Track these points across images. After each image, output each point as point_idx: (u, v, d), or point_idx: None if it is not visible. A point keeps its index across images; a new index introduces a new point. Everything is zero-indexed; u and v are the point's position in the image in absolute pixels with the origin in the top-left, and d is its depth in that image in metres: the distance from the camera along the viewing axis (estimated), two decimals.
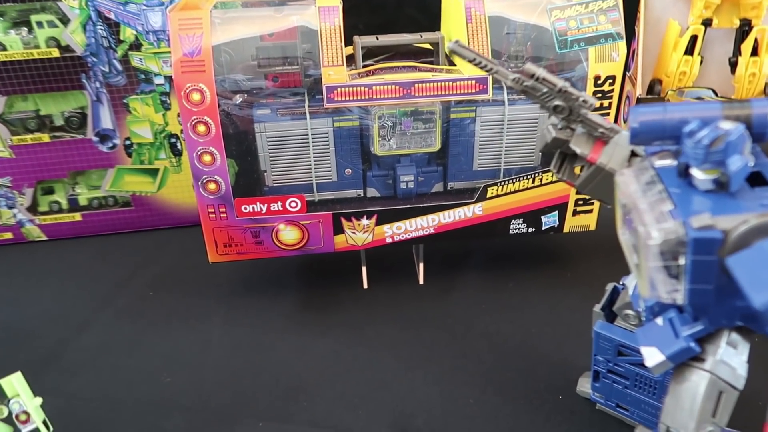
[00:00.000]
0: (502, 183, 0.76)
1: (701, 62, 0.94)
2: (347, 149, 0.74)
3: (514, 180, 0.76)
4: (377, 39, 0.74)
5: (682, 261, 0.38)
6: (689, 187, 0.40)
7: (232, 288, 0.86)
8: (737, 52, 0.94)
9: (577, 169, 0.53)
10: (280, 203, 0.74)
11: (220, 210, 0.73)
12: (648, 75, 1.00)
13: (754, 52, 0.92)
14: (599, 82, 0.72)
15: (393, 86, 0.69)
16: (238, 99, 0.69)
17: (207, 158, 0.70)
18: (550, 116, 0.51)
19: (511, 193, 0.77)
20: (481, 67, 0.51)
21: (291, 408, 0.67)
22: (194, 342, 0.77)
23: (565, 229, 0.81)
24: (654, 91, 0.98)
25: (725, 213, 0.37)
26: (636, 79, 0.97)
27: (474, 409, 0.66)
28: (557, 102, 0.49)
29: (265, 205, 0.74)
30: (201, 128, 0.68)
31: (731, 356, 0.41)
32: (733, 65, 0.95)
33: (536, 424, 0.63)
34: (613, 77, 0.71)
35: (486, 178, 0.77)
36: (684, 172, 0.40)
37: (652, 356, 0.44)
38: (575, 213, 0.80)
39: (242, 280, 0.87)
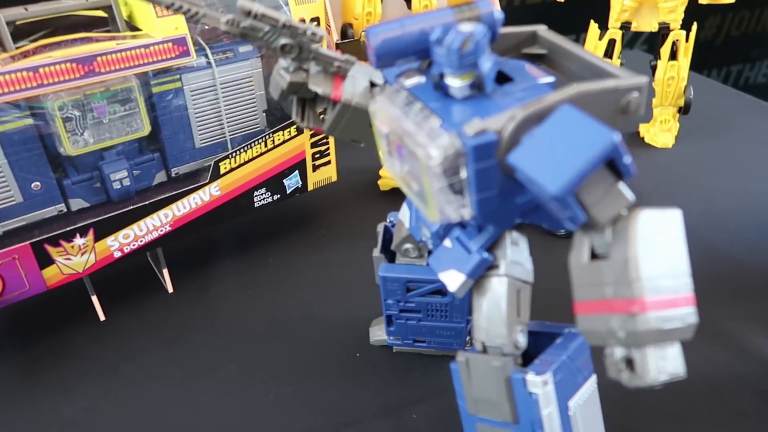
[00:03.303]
0: (233, 154, 0.68)
1: (382, 0, 0.98)
2: (25, 157, 0.57)
3: (246, 148, 0.69)
4: (26, 10, 0.57)
5: (463, 174, 0.36)
6: (447, 98, 0.38)
7: None
8: (657, 55, 0.94)
9: (319, 112, 0.49)
10: None
11: None
12: (339, 21, 1.01)
13: (673, 56, 0.93)
14: None
15: (68, 64, 0.54)
16: None
17: None
18: (279, 59, 0.45)
19: (245, 163, 0.69)
20: (184, 13, 0.42)
21: None
22: None
23: (310, 187, 0.77)
24: (348, 36, 0.99)
25: (491, 114, 0.36)
26: (330, 26, 0.96)
27: (277, 404, 0.59)
28: (284, 40, 0.43)
29: None
30: None
31: (517, 254, 0.42)
32: (653, 68, 0.95)
33: (345, 389, 0.59)
34: (317, 18, 0.68)
35: (213, 153, 0.68)
36: (438, 84, 0.38)
37: (453, 279, 0.42)
38: (315, 168, 0.76)
39: None
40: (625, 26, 0.93)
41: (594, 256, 0.36)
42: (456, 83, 0.37)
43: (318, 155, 0.76)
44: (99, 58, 0.55)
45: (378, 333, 0.63)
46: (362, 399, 0.59)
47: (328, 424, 0.56)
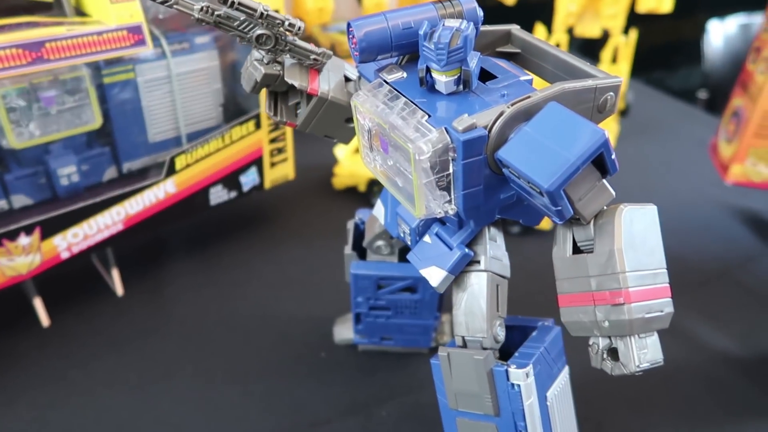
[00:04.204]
0: (190, 150, 0.66)
1: None
2: None
3: (202, 143, 0.66)
4: None
5: (451, 169, 0.36)
6: (432, 93, 0.38)
7: None
8: (597, 59, 0.96)
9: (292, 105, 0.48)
10: None
11: None
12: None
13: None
14: None
15: (13, 50, 0.50)
16: None
17: None
18: (253, 50, 0.44)
19: (203, 158, 0.67)
20: None
21: None
22: None
23: (267, 185, 0.75)
24: None
25: (477, 110, 0.36)
26: None
27: (240, 406, 0.57)
28: (260, 31, 0.42)
29: None
30: None
31: (496, 250, 0.43)
32: None
33: (311, 389, 0.58)
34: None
35: (167, 148, 0.65)
36: (424, 79, 0.38)
37: (434, 275, 0.42)
38: (273, 165, 0.74)
39: None
40: (568, 31, 0.96)
41: (576, 250, 0.37)
42: (443, 78, 0.37)
43: (276, 152, 0.74)
44: (48, 44, 0.52)
45: (343, 332, 0.63)
46: (330, 398, 0.58)
47: (296, 425, 0.55)
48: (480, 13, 0.40)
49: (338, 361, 0.62)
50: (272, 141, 0.73)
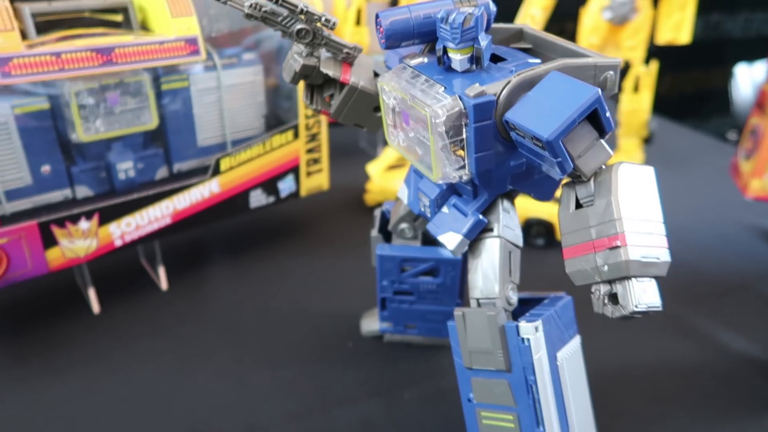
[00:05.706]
0: (233, 153, 0.72)
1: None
2: (39, 141, 0.60)
3: (245, 148, 0.73)
4: (50, 5, 0.61)
5: (464, 134, 0.41)
6: (449, 72, 0.43)
7: None
8: (620, 88, 1.04)
9: (327, 98, 0.53)
10: None
11: None
12: None
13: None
14: None
15: (88, 53, 0.58)
16: None
17: None
18: (293, 44, 0.50)
19: (245, 162, 0.73)
20: None
21: None
22: None
23: (302, 193, 0.81)
24: None
25: (489, 83, 0.41)
26: None
27: (271, 386, 0.60)
28: (300, 26, 0.48)
29: None
30: None
31: (509, 220, 0.47)
32: (617, 101, 1.03)
33: (337, 374, 0.61)
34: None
35: (213, 153, 0.72)
36: (441, 59, 0.43)
37: (451, 239, 0.46)
38: (309, 174, 0.80)
39: None
40: None
41: (579, 207, 0.41)
42: (457, 56, 0.42)
43: (312, 162, 0.80)
44: (117, 50, 0.59)
45: (370, 324, 0.66)
46: (355, 382, 0.61)
47: (323, 403, 0.58)
48: (493, 7, 0.45)
49: (364, 350, 0.65)
50: (309, 151, 0.79)
